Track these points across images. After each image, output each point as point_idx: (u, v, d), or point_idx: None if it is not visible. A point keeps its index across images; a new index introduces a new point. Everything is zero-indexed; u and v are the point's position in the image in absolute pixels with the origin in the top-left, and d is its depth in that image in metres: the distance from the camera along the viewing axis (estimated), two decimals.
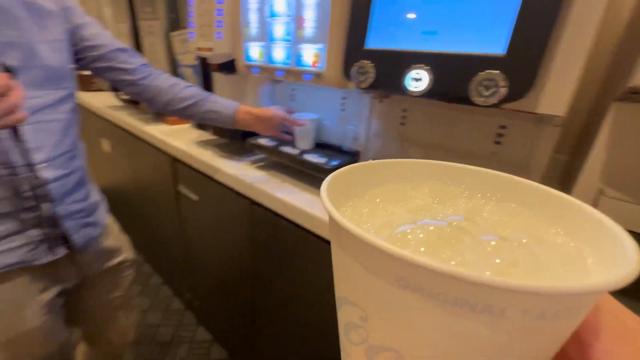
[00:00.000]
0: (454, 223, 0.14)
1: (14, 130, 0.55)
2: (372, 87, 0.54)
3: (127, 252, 0.87)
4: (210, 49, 0.90)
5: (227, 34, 0.85)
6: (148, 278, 1.73)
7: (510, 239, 0.13)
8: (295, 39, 0.69)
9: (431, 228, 0.13)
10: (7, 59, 0.53)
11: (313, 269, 0.75)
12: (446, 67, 0.47)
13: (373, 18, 0.53)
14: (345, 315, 0.15)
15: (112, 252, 0.81)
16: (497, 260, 0.12)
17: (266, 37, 0.75)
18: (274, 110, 0.77)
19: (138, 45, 1.46)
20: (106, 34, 0.71)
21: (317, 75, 0.68)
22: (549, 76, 0.44)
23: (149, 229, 1.59)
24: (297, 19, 0.68)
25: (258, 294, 0.98)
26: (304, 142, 0.86)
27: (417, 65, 0.49)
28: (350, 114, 0.83)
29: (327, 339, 0.78)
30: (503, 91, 0.45)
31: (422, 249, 0.12)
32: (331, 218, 0.13)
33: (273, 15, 0.72)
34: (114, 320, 0.89)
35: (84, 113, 1.60)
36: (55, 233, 0.65)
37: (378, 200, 0.18)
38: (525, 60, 0.43)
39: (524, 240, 0.14)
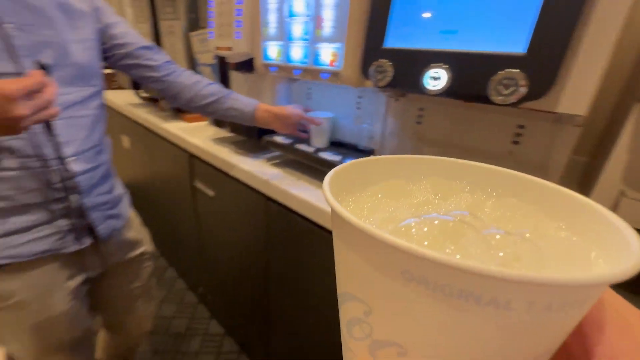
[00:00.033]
0: (457, 217, 0.14)
1: (47, 124, 0.58)
2: (390, 85, 0.54)
3: (147, 245, 0.90)
4: (229, 48, 0.92)
5: (246, 34, 0.87)
6: (163, 271, 1.77)
7: (513, 233, 0.13)
8: (313, 38, 0.71)
9: (436, 222, 0.13)
10: (43, 57, 0.56)
11: (326, 265, 0.76)
12: (465, 66, 0.47)
13: (392, 18, 0.53)
14: (348, 311, 0.15)
15: (133, 244, 0.84)
16: (501, 254, 0.12)
17: (284, 36, 0.77)
18: (292, 109, 0.79)
19: (158, 45, 1.51)
20: (133, 33, 0.74)
21: (335, 74, 0.69)
22: (570, 75, 0.43)
23: (165, 224, 1.63)
24: (315, 19, 0.69)
25: (271, 289, 1.00)
26: (319, 140, 0.88)
27: (436, 64, 0.49)
28: (365, 113, 0.84)
29: (338, 335, 0.79)
30: (522, 90, 0.45)
31: (426, 243, 0.12)
32: (334, 212, 0.13)
33: (292, 15, 0.74)
34: (133, 309, 0.92)
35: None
36: (81, 223, 0.68)
37: (380, 195, 0.18)
38: (546, 59, 0.43)
39: (527, 235, 0.14)
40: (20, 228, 0.59)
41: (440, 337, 0.11)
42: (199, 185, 1.18)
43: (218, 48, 0.97)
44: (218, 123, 1.22)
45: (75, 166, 0.63)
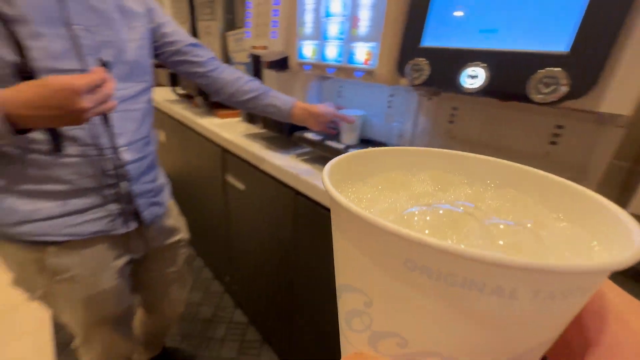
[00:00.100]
0: (460, 207, 0.14)
1: (105, 117, 0.63)
2: (426, 84, 0.55)
3: (183, 233, 0.95)
4: (264, 47, 0.96)
5: (282, 33, 0.91)
6: (191, 260, 1.86)
7: (515, 223, 0.13)
8: (348, 37, 0.73)
9: (440, 212, 0.13)
10: (104, 55, 0.62)
11: None
12: (504, 64, 0.48)
13: (430, 17, 0.54)
14: (347, 303, 0.15)
15: (172, 231, 0.89)
16: (503, 244, 0.12)
17: (320, 35, 0.79)
18: (326, 107, 0.82)
19: None
20: (181, 31, 0.80)
21: (369, 73, 0.70)
22: (614, 73, 0.43)
23: (195, 215, 1.71)
24: (351, 19, 0.71)
25: (295, 282, 1.03)
26: (349, 137, 0.89)
27: (473, 63, 0.50)
28: (396, 111, 0.85)
29: None
30: (564, 89, 0.44)
31: (427, 232, 0.12)
32: (334, 202, 0.13)
33: (328, 15, 0.76)
34: (168, 292, 0.98)
35: None
36: (129, 209, 0.74)
37: (380, 187, 0.18)
38: (589, 57, 0.43)
39: (529, 225, 0.14)
40: (78, 209, 0.66)
41: (441, 328, 0.11)
42: (230, 178, 1.23)
43: (254, 47, 1.01)
44: (250, 119, 1.27)
45: (126, 155, 0.69)
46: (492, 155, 0.18)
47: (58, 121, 0.52)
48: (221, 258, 1.58)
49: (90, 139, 0.63)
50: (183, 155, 1.65)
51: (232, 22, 1.30)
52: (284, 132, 1.03)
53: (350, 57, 0.73)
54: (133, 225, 0.75)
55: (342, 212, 0.13)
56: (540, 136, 0.60)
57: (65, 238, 0.65)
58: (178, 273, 0.97)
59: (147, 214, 0.77)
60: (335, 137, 0.91)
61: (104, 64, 0.57)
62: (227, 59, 1.36)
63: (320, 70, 0.82)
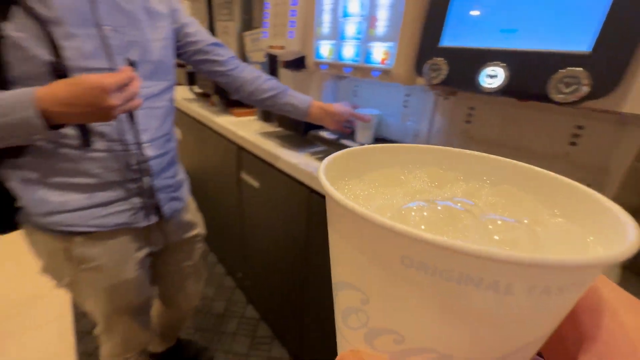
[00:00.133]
0: (457, 204, 0.14)
1: (130, 114, 0.66)
2: (443, 83, 0.56)
3: (200, 228, 0.98)
4: (281, 47, 0.98)
5: (299, 33, 0.92)
6: (205, 255, 1.90)
7: (510, 219, 0.13)
8: (366, 37, 0.73)
9: (437, 208, 0.13)
10: (131, 55, 0.65)
11: None
12: (524, 64, 0.48)
13: (449, 17, 0.55)
14: (343, 300, 0.15)
15: (190, 225, 0.92)
16: (498, 239, 0.12)
17: (337, 35, 0.80)
18: (342, 106, 0.83)
19: None
20: (203, 31, 0.82)
21: (385, 72, 0.71)
22: (638, 73, 0.42)
23: (209, 211, 1.74)
24: (369, 19, 0.71)
25: (308, 279, 1.04)
26: (364, 136, 0.90)
27: (493, 62, 0.50)
28: (412, 111, 0.85)
29: None
30: (585, 89, 0.44)
31: (423, 227, 0.12)
32: (330, 198, 0.13)
33: (346, 15, 0.77)
34: (184, 285, 1.01)
35: None
36: (150, 203, 0.76)
37: (376, 184, 0.18)
38: (612, 57, 0.42)
39: (525, 221, 0.14)
40: (104, 202, 0.69)
41: (438, 324, 0.11)
42: (245, 176, 1.25)
43: (271, 47, 1.03)
44: (265, 118, 1.29)
45: (149, 151, 0.72)
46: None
47: (89, 117, 0.55)
48: (234, 254, 1.61)
49: (116, 134, 0.66)
50: (199, 152, 1.68)
51: (249, 22, 1.32)
52: (299, 130, 1.05)
53: (367, 56, 0.74)
54: (154, 219, 0.78)
55: (337, 208, 0.12)
56: (559, 137, 0.60)
57: (92, 229, 0.68)
58: (194, 267, 1.00)
59: (167, 208, 0.79)
60: (350, 135, 0.92)
61: (131, 63, 0.60)
62: (243, 59, 1.39)
63: (337, 70, 0.83)
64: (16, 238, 0.72)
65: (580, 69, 0.44)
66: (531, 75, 0.47)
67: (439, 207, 0.13)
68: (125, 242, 0.75)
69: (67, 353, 1.29)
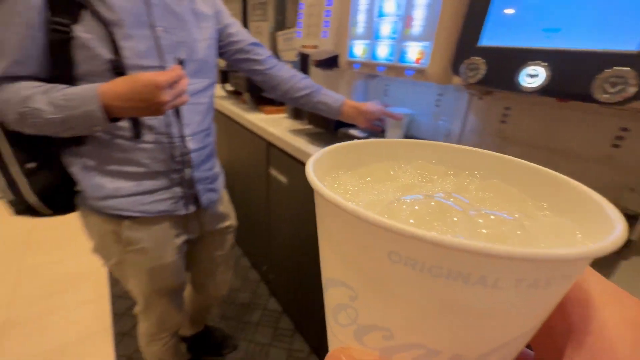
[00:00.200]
0: (444, 198, 0.14)
1: (177, 109, 0.71)
2: (481, 83, 0.56)
3: (232, 220, 1.03)
4: (314, 47, 1.00)
5: (332, 33, 0.94)
6: (233, 247, 1.96)
7: (499, 214, 0.13)
8: (401, 36, 0.74)
9: (427, 203, 0.13)
10: (179, 54, 0.69)
11: None
12: (567, 63, 0.47)
13: (490, 17, 0.55)
14: (333, 297, 0.15)
15: (223, 216, 0.97)
16: (487, 234, 0.12)
17: (372, 35, 0.82)
18: (374, 105, 0.84)
19: None
20: (244, 31, 0.87)
21: (420, 71, 0.72)
22: None
23: (238, 205, 1.79)
24: (405, 19, 0.72)
25: None
26: (394, 134, 0.91)
27: (533, 62, 0.50)
28: (444, 110, 0.85)
29: None
30: (632, 90, 0.43)
31: (411, 221, 0.12)
32: (317, 194, 0.13)
33: (381, 15, 0.78)
34: (215, 274, 1.06)
35: None
36: (190, 193, 0.81)
37: (367, 178, 0.18)
38: None
39: (516, 215, 0.14)
40: (150, 190, 0.74)
41: (427, 319, 0.11)
42: (274, 172, 1.29)
43: (304, 46, 1.06)
44: (296, 115, 1.32)
45: (191, 144, 0.77)
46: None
47: (142, 112, 0.60)
48: (260, 248, 1.66)
49: (163, 128, 0.71)
50: (230, 148, 1.75)
51: (282, 22, 1.36)
52: (329, 128, 1.07)
53: (401, 56, 0.75)
54: (192, 208, 0.83)
55: (325, 203, 0.12)
56: (601, 138, 0.58)
57: (138, 214, 0.74)
58: (224, 257, 1.05)
59: (204, 198, 0.84)
60: (381, 134, 0.93)
61: (180, 62, 0.64)
62: (276, 58, 1.43)
63: (370, 69, 0.85)
64: (67, 219, 0.79)
65: (628, 68, 0.43)
66: (575, 74, 0.47)
67: (428, 202, 0.13)
68: (166, 229, 0.80)
69: (104, 332, 1.39)
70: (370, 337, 0.13)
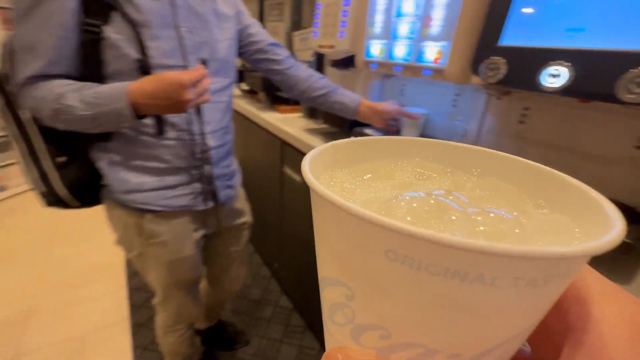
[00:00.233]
0: (442, 196, 0.14)
1: (198, 107, 0.73)
2: (501, 82, 0.56)
3: (248, 216, 1.05)
4: (331, 46, 1.01)
5: (349, 33, 0.95)
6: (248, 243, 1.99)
7: (497, 211, 0.13)
8: (419, 36, 0.75)
9: (423, 200, 0.13)
10: (202, 54, 0.72)
11: None
12: (591, 63, 0.47)
13: (511, 17, 0.55)
14: (329, 296, 0.14)
15: (239, 213, 0.99)
16: (485, 232, 0.12)
17: (389, 35, 0.82)
18: (390, 105, 0.85)
19: None
20: (263, 31, 0.88)
21: (437, 71, 0.72)
22: None
23: (251, 202, 1.83)
24: (423, 18, 0.73)
25: None
26: (409, 135, 0.91)
27: (555, 62, 0.50)
28: (461, 110, 0.85)
29: None
30: None
31: (408, 218, 0.12)
32: (313, 192, 0.13)
33: (400, 15, 0.79)
34: (230, 269, 1.08)
35: None
36: (209, 189, 0.83)
37: (363, 176, 0.17)
38: None
39: (515, 213, 0.14)
40: (171, 185, 0.77)
41: (425, 318, 0.11)
42: (288, 170, 1.31)
43: (320, 46, 1.07)
44: (311, 115, 1.33)
45: (211, 142, 0.79)
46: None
47: (167, 109, 0.62)
48: (272, 245, 1.68)
49: (185, 125, 0.73)
50: (245, 146, 1.77)
51: (298, 22, 1.37)
52: (344, 127, 1.08)
53: (419, 55, 0.75)
54: (210, 204, 0.85)
55: (320, 201, 0.12)
56: (624, 139, 0.57)
57: (160, 208, 0.76)
58: (240, 252, 1.07)
59: (222, 195, 0.86)
60: (396, 134, 0.94)
61: (203, 62, 0.66)
62: (293, 58, 1.44)
63: (387, 69, 0.85)
64: (89, 214, 0.83)
65: None
66: (599, 75, 0.46)
67: (425, 200, 0.13)
68: (186, 223, 0.83)
69: (121, 323, 1.44)
70: (368, 337, 0.13)
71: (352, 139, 0.18)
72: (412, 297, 0.11)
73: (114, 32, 0.60)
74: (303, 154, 1.17)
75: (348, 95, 0.89)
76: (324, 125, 1.24)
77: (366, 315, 0.13)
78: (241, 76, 1.84)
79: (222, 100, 0.79)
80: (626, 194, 0.53)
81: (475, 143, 0.83)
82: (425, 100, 0.95)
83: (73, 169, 0.72)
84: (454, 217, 0.12)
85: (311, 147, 1.09)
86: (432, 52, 0.72)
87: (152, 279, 0.88)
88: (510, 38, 0.55)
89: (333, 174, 0.17)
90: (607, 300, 0.12)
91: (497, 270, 0.09)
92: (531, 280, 0.10)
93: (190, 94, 0.60)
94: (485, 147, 0.18)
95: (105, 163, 0.72)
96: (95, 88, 0.60)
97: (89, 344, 1.34)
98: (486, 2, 0.60)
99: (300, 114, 1.45)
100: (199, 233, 0.87)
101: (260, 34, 0.87)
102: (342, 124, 1.09)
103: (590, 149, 0.62)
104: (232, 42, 0.80)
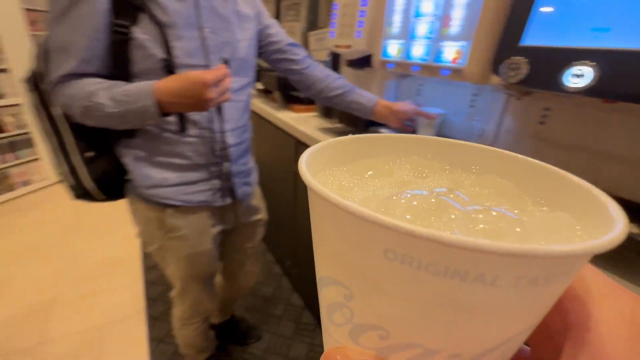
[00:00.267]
0: (441, 194, 0.13)
1: (219, 105, 0.75)
2: (522, 83, 0.56)
3: (263, 213, 1.07)
4: (348, 46, 1.02)
5: (366, 33, 0.96)
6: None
7: (497, 209, 0.13)
8: (437, 36, 0.75)
9: (422, 198, 0.13)
10: (224, 54, 0.73)
11: None
12: (617, 63, 0.46)
13: (533, 16, 0.55)
14: (327, 296, 0.14)
15: (255, 210, 1.01)
16: (485, 230, 0.12)
17: (407, 35, 0.83)
18: (406, 105, 0.85)
19: None
20: (282, 32, 0.90)
21: (456, 71, 0.72)
22: None
23: (265, 200, 1.85)
24: (443, 18, 0.73)
25: None
26: (426, 134, 0.91)
27: (580, 62, 0.49)
28: (479, 111, 0.84)
29: None
30: None
31: (408, 217, 0.12)
32: (311, 190, 0.12)
33: (418, 15, 0.79)
34: (244, 265, 1.11)
35: None
36: (227, 185, 0.85)
37: (362, 174, 0.17)
38: None
39: (515, 211, 0.14)
40: (191, 181, 0.79)
41: (424, 318, 0.11)
42: None
43: (337, 46, 1.08)
44: (325, 114, 1.35)
45: (230, 139, 0.81)
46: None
47: (190, 108, 0.64)
48: (284, 243, 1.69)
49: (206, 123, 0.75)
50: (259, 145, 1.79)
51: (314, 22, 1.39)
52: (359, 126, 1.09)
53: (437, 55, 0.75)
54: (228, 200, 0.87)
55: (318, 200, 0.12)
56: None
57: (180, 203, 0.79)
58: (254, 249, 1.09)
59: (240, 191, 0.88)
60: (412, 134, 0.94)
61: (225, 62, 0.68)
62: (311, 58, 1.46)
63: (404, 69, 0.86)
64: (108, 208, 0.85)
65: None
66: (625, 75, 0.46)
67: (425, 198, 0.13)
68: (205, 218, 0.85)
69: (138, 315, 1.48)
70: (367, 337, 0.13)
71: (350, 136, 0.18)
72: (412, 297, 0.11)
73: (142, 33, 0.63)
74: None
75: (365, 95, 0.89)
76: (338, 125, 1.25)
77: (365, 315, 0.12)
78: (257, 76, 1.86)
79: (241, 99, 0.81)
80: None
81: (493, 143, 0.83)
82: (442, 100, 0.95)
83: (100, 164, 0.75)
84: (453, 216, 0.12)
85: None
86: (450, 52, 0.72)
87: (171, 271, 0.91)
88: (533, 38, 0.55)
89: (332, 172, 0.17)
90: (607, 299, 0.12)
91: (498, 269, 0.09)
92: (532, 280, 0.09)
93: (212, 93, 0.62)
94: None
95: (131, 159, 0.74)
96: (124, 86, 0.63)
97: (107, 334, 1.38)
98: (507, 2, 0.60)
99: (314, 114, 1.46)
100: (217, 228, 0.90)
101: (279, 34, 0.88)
102: (357, 124, 1.10)
103: (613, 150, 0.61)
104: (252, 42, 0.82)
